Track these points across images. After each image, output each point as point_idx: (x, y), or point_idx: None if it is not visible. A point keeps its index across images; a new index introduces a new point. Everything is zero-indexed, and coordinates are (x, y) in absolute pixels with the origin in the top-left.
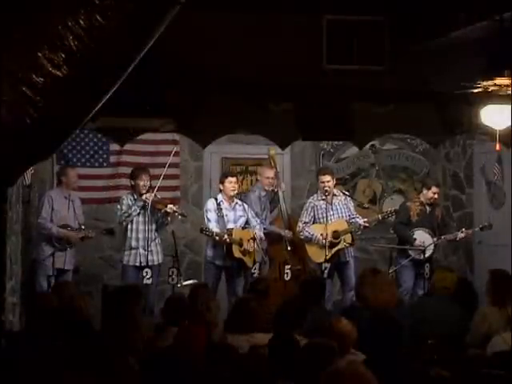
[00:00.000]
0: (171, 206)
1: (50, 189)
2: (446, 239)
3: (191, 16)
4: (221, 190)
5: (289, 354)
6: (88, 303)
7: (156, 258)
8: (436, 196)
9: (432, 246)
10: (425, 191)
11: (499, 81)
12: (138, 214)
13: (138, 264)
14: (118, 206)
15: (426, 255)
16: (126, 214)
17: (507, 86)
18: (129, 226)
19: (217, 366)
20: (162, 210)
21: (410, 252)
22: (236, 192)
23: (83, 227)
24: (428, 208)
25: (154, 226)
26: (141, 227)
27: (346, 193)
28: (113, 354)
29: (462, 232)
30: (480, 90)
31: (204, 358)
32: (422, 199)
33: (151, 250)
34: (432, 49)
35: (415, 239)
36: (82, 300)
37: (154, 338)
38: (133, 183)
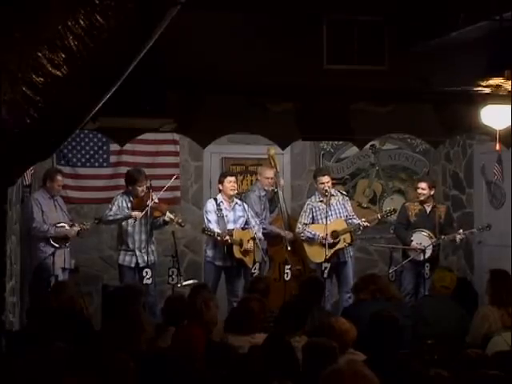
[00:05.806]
0: (169, 214)
1: (34, 192)
2: (447, 239)
3: (192, 16)
4: (220, 190)
5: (283, 355)
6: (88, 303)
7: (152, 258)
8: (424, 192)
9: (431, 247)
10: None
11: (499, 81)
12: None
13: (133, 265)
14: (109, 205)
15: (426, 256)
16: (114, 216)
17: (507, 85)
18: (124, 228)
19: (217, 366)
20: (161, 219)
21: (410, 253)
22: (236, 191)
23: (75, 223)
24: (427, 207)
25: (149, 228)
26: (137, 229)
27: (344, 192)
28: (113, 353)
29: (460, 234)
30: (480, 89)
31: (204, 358)
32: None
33: (146, 252)
34: (432, 49)
35: (412, 240)
36: (82, 300)
37: (155, 338)
38: (130, 188)
